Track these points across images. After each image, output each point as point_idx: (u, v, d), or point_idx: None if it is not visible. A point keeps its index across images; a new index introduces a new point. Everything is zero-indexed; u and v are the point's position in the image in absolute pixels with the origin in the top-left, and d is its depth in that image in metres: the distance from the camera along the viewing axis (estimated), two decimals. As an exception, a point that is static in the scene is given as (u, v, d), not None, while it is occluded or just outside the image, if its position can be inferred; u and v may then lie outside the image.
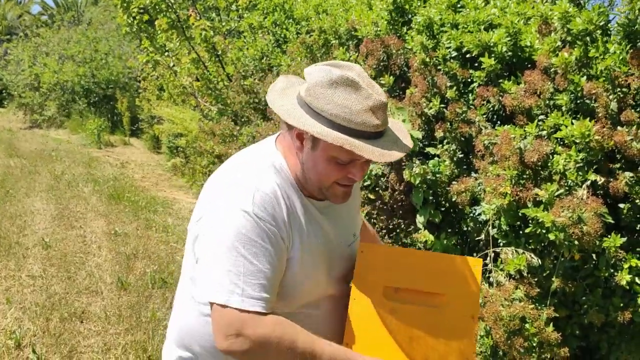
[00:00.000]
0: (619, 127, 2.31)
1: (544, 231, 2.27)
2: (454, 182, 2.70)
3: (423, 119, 2.92)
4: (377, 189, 3.04)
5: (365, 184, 3.00)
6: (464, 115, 2.76)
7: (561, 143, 2.43)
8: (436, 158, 2.86)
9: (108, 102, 13.57)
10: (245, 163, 1.33)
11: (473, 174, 2.77)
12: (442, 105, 2.86)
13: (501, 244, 2.52)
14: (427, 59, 2.92)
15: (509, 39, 2.74)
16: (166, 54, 6.87)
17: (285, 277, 1.26)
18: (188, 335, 1.37)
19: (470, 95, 2.89)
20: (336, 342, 1.32)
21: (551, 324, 2.32)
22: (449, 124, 2.82)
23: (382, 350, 1.34)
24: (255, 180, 1.24)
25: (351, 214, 1.49)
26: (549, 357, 2.36)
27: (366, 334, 1.36)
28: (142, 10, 6.43)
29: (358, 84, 1.19)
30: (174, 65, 6.89)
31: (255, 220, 1.19)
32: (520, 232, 2.48)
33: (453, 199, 2.68)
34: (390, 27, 3.42)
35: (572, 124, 2.35)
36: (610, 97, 2.35)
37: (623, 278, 2.22)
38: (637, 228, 2.43)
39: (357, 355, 1.27)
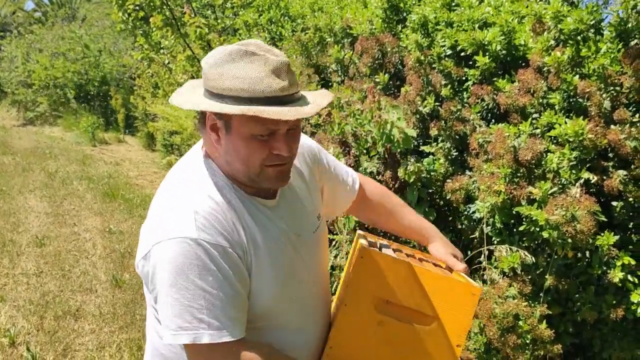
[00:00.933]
0: (612, 126, 2.32)
1: (537, 229, 2.28)
2: (448, 180, 2.71)
3: (418, 117, 2.92)
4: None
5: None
6: (458, 113, 2.77)
7: (555, 141, 2.44)
8: (431, 156, 2.87)
9: (102, 99, 13.52)
10: (175, 185, 1.23)
11: (467, 172, 2.78)
12: (437, 104, 2.87)
13: (495, 242, 2.53)
14: (422, 57, 2.93)
15: (503, 37, 2.75)
16: (161, 51, 6.85)
17: (256, 290, 1.21)
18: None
19: (464, 93, 2.90)
20: (313, 332, 1.32)
21: (544, 321, 2.34)
22: (443, 122, 2.83)
23: None
24: (190, 204, 1.15)
25: (305, 198, 1.38)
26: (542, 354, 2.37)
27: (350, 342, 1.34)
28: (137, 7, 6.40)
29: (254, 52, 1.11)
30: (169, 63, 6.87)
31: (204, 247, 1.10)
32: (514, 230, 2.49)
33: (447, 197, 2.69)
34: (385, 25, 3.42)
35: (566, 122, 2.36)
36: (603, 95, 2.36)
37: (616, 276, 2.24)
38: (630, 226, 2.45)
39: None
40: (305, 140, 1.46)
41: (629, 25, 2.37)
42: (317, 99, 1.19)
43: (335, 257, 3.20)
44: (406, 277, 1.34)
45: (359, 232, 1.59)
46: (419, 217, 1.63)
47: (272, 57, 1.12)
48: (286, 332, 1.30)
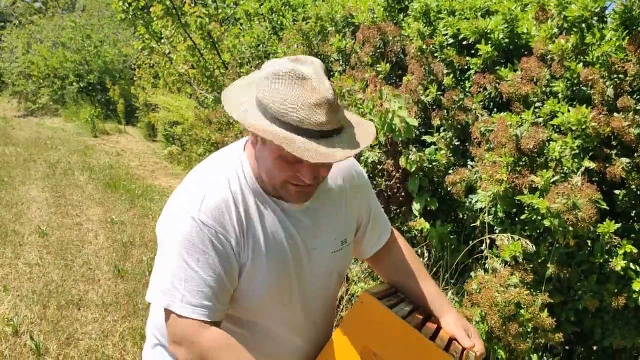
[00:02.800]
0: (615, 114, 2.31)
1: (539, 218, 2.28)
2: (450, 171, 2.71)
3: (420, 106, 2.91)
4: (373, 176, 3.04)
5: (362, 171, 3.00)
6: (460, 102, 2.76)
7: (557, 130, 2.43)
8: (433, 146, 2.86)
9: (103, 90, 13.50)
10: (207, 169, 1.29)
11: (469, 162, 2.77)
12: (439, 93, 2.86)
13: (497, 231, 2.53)
14: (424, 46, 2.91)
15: (506, 26, 2.73)
16: (162, 41, 6.83)
17: (240, 283, 1.23)
18: (160, 329, 1.41)
19: (467, 82, 2.89)
20: (295, 349, 1.33)
21: (546, 310, 2.34)
22: (445, 111, 2.82)
23: None
24: (207, 187, 1.21)
25: (338, 219, 1.37)
26: (543, 342, 2.38)
27: None
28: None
29: (306, 78, 1.10)
30: (169, 53, 6.85)
31: (199, 227, 1.16)
32: (516, 219, 2.49)
33: (449, 189, 2.69)
34: (387, 14, 3.40)
35: (569, 111, 2.35)
36: (607, 83, 2.35)
37: (618, 264, 2.24)
38: (632, 214, 2.44)
39: None
40: (359, 167, 1.47)
41: (634, 13, 2.35)
42: (359, 136, 1.17)
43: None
44: (400, 337, 1.29)
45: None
46: (438, 289, 1.57)
47: (321, 87, 1.10)
48: (267, 337, 1.32)
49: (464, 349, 1.39)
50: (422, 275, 1.52)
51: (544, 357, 2.59)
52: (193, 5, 6.01)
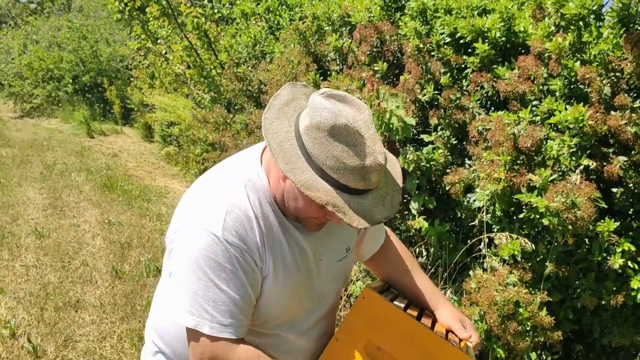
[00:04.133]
0: (612, 112, 2.31)
1: (537, 216, 2.28)
2: (448, 170, 2.70)
3: (417, 105, 2.91)
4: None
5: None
6: (457, 101, 2.76)
7: (555, 128, 2.43)
8: (430, 145, 2.86)
9: (99, 90, 13.46)
10: (223, 178, 1.26)
11: (467, 161, 2.77)
12: (436, 92, 2.85)
13: (495, 230, 2.53)
14: (421, 45, 2.91)
15: (502, 24, 2.73)
16: (158, 41, 6.81)
17: (259, 298, 1.23)
18: (161, 336, 1.39)
19: (464, 81, 2.89)
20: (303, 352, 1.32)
21: (545, 308, 2.34)
22: (442, 110, 2.82)
23: None
24: (227, 201, 1.18)
25: (343, 227, 1.36)
26: (542, 340, 2.38)
27: None
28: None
29: (361, 137, 1.08)
30: (166, 53, 6.83)
31: (225, 246, 1.14)
32: (514, 217, 2.49)
33: (446, 189, 2.68)
34: (384, 12, 3.40)
35: (566, 109, 2.35)
36: (604, 81, 2.35)
37: (616, 262, 2.24)
38: (630, 212, 2.44)
39: None
40: None
41: (631, 10, 2.35)
42: (391, 190, 1.19)
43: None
44: (402, 329, 1.31)
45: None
46: (432, 283, 1.59)
47: (374, 149, 1.09)
48: (276, 342, 1.32)
49: (460, 340, 1.41)
50: (415, 271, 1.55)
51: (543, 355, 2.59)
52: (189, 5, 5.99)
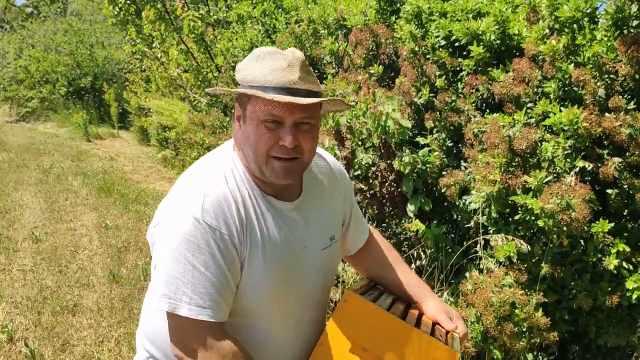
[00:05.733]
0: (606, 114, 2.33)
1: (533, 218, 2.29)
2: (443, 173, 2.72)
3: (412, 108, 2.92)
4: (367, 178, 3.05)
5: (356, 173, 3.01)
6: (453, 104, 2.78)
7: (549, 130, 2.45)
8: (426, 147, 2.87)
9: (95, 94, 13.45)
10: (199, 169, 1.30)
11: (463, 164, 2.78)
12: (432, 95, 2.87)
13: (491, 231, 2.54)
14: (416, 48, 2.93)
15: (497, 27, 2.75)
16: (153, 45, 6.81)
17: (242, 283, 1.23)
18: (151, 339, 1.40)
19: (459, 83, 2.91)
20: (289, 347, 1.33)
21: (540, 309, 2.35)
22: (438, 113, 2.83)
23: None
24: (205, 186, 1.22)
25: (326, 216, 1.42)
26: (538, 341, 2.39)
27: None
28: (129, 1, 6.37)
29: (277, 51, 1.21)
30: (161, 57, 6.83)
31: (204, 228, 1.16)
32: (510, 219, 2.50)
33: (442, 191, 2.70)
34: (379, 16, 3.42)
35: (561, 111, 2.37)
36: (598, 83, 2.37)
37: (611, 263, 2.25)
38: (625, 213, 2.46)
39: None
40: (340, 166, 1.53)
41: (625, 13, 2.37)
42: (333, 103, 1.28)
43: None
44: (386, 329, 1.32)
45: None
46: (417, 276, 1.62)
47: (290, 54, 1.20)
48: (259, 335, 1.32)
49: (447, 332, 1.43)
50: (399, 265, 1.58)
51: (539, 356, 2.59)
52: (185, 9, 6.00)
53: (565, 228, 2.21)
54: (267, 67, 1.19)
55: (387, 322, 1.33)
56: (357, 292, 1.37)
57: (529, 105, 2.56)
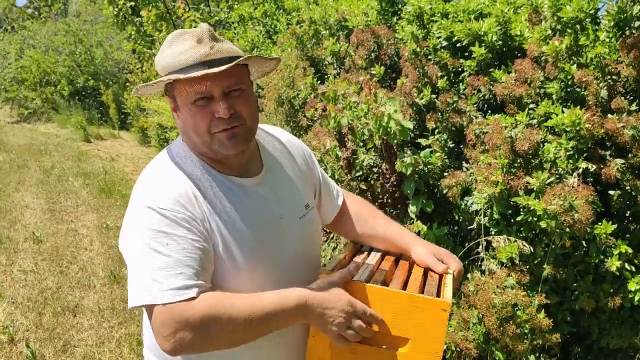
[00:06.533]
0: (609, 115, 2.32)
1: (535, 219, 2.28)
2: (445, 174, 2.71)
3: (414, 109, 2.92)
4: (368, 179, 3.04)
5: (357, 174, 3.00)
6: (455, 104, 2.77)
7: (552, 131, 2.44)
8: (427, 148, 2.86)
9: (95, 94, 13.44)
10: (153, 167, 1.32)
11: (464, 165, 2.78)
12: (433, 95, 2.86)
13: (493, 233, 2.53)
14: (418, 49, 2.92)
15: (499, 28, 2.74)
16: (154, 46, 6.81)
17: (216, 267, 1.21)
18: (149, 346, 1.40)
19: (461, 84, 2.90)
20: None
21: (543, 311, 2.34)
22: (440, 114, 2.83)
23: None
24: (162, 179, 1.23)
25: (294, 186, 1.41)
26: (540, 343, 2.38)
27: None
28: (130, 2, 6.37)
29: (185, 32, 1.21)
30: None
31: (160, 212, 1.16)
32: (512, 220, 2.49)
33: (444, 192, 2.69)
34: (381, 17, 3.41)
35: (563, 112, 2.36)
36: (601, 84, 2.36)
37: (613, 264, 2.25)
38: (627, 214, 2.45)
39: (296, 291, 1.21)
40: (296, 139, 1.54)
41: (627, 14, 2.36)
42: (260, 64, 1.31)
43: (334, 249, 3.20)
44: (369, 300, 1.28)
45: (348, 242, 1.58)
46: (399, 225, 1.60)
47: (197, 30, 1.20)
48: None
49: (440, 276, 1.42)
50: (380, 218, 1.58)
51: (541, 358, 2.59)
52: (187, 9, 6.00)
53: (567, 229, 2.20)
54: (178, 49, 1.20)
55: (369, 293, 1.29)
56: (329, 273, 1.33)
57: (531, 106, 2.55)
